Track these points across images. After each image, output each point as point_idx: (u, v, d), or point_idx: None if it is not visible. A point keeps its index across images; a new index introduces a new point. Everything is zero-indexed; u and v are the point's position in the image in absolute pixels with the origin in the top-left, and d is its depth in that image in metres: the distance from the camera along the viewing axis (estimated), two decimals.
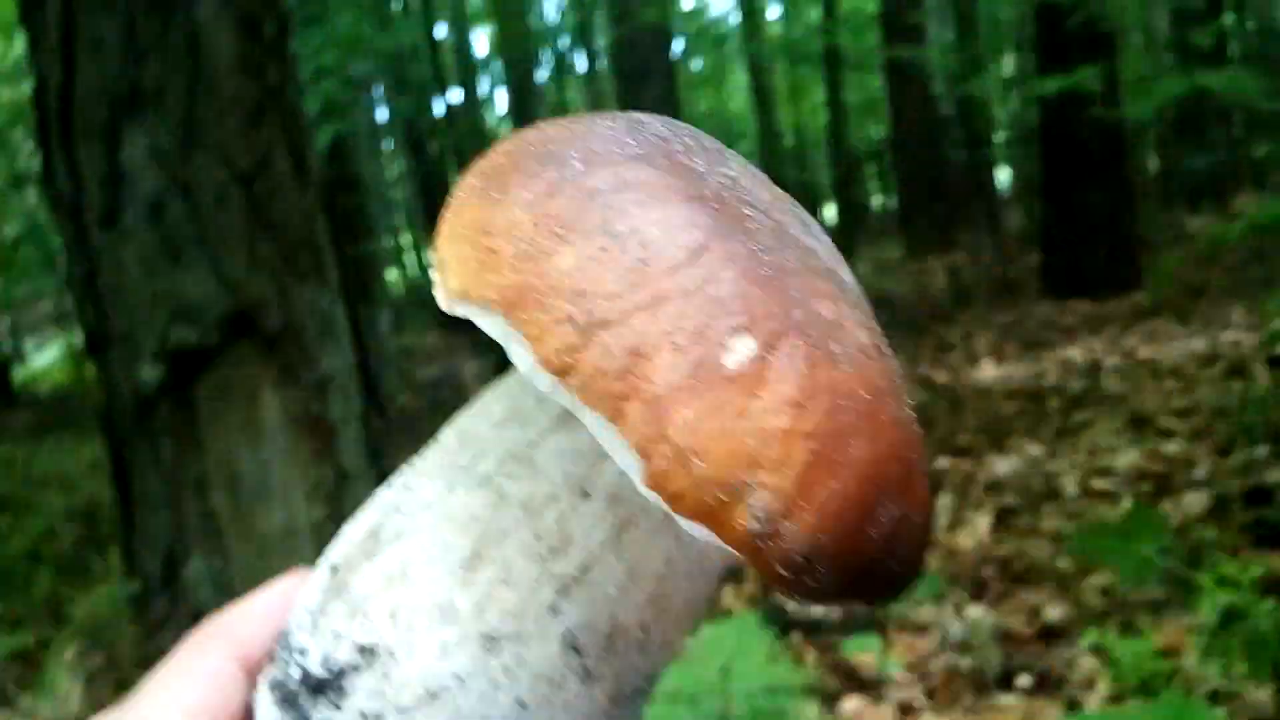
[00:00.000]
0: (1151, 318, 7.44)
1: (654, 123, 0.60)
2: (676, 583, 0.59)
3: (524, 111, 19.34)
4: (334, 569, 0.63)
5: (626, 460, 0.49)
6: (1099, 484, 4.00)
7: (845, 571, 0.50)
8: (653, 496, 0.48)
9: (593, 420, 0.49)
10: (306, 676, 0.59)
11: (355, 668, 0.58)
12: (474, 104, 20.44)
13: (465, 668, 0.57)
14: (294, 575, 0.67)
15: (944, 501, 4.07)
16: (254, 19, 3.01)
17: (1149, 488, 3.94)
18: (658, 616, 0.59)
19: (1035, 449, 4.49)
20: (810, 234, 0.60)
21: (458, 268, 0.53)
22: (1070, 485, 4.04)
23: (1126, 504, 3.75)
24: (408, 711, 0.57)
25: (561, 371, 0.49)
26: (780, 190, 0.63)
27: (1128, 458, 4.22)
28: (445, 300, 0.54)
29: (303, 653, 0.60)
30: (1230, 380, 5.15)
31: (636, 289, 0.50)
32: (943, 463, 4.55)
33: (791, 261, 0.54)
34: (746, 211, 0.55)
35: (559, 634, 0.57)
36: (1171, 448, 4.31)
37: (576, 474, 0.58)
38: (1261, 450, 4.00)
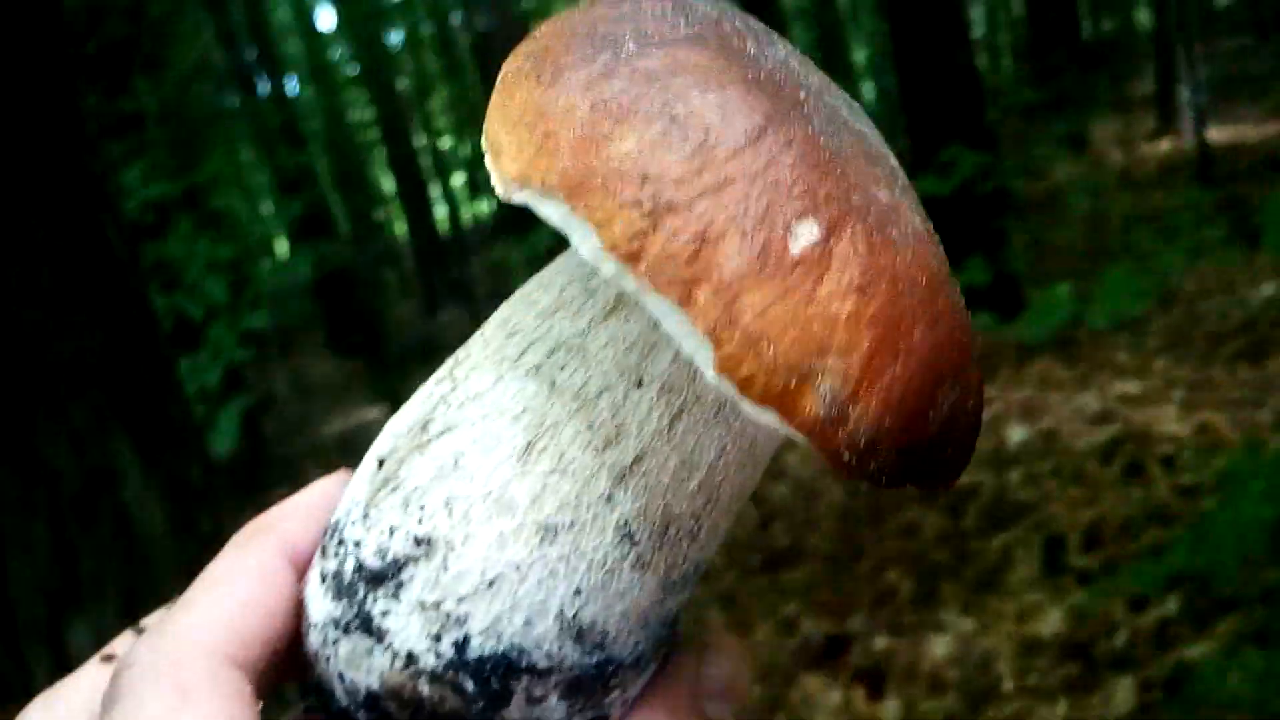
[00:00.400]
0: (1039, 354, 7.64)
1: (701, 2, 0.60)
2: (727, 472, 0.60)
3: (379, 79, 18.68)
4: (381, 461, 0.62)
5: (696, 345, 0.49)
6: (1033, 674, 4.23)
7: (907, 455, 0.52)
8: (722, 381, 0.49)
9: (660, 306, 0.49)
10: (362, 568, 0.60)
11: (413, 559, 0.59)
12: (327, 76, 19.65)
13: (523, 557, 0.58)
14: (337, 475, 0.67)
15: (891, 709, 4.27)
16: (181, 474, 2.94)
17: (1077, 670, 4.18)
18: (708, 505, 0.61)
19: (967, 622, 4.71)
20: (859, 119, 0.61)
21: (514, 152, 0.53)
22: (1006, 676, 4.25)
23: (1062, 708, 3.99)
24: (466, 600, 0.58)
25: (629, 257, 0.49)
26: (826, 76, 0.63)
27: (1052, 623, 4.46)
28: (502, 185, 0.53)
29: (357, 545, 0.60)
30: (1130, 484, 5.42)
31: (700, 173, 0.50)
32: (880, 642, 4.74)
33: (847, 146, 0.55)
34: (801, 95, 0.56)
35: (614, 523, 0.58)
36: (1089, 600, 4.55)
37: (630, 363, 0.58)
38: (1171, 605, 4.26)
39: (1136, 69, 16.69)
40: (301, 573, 0.64)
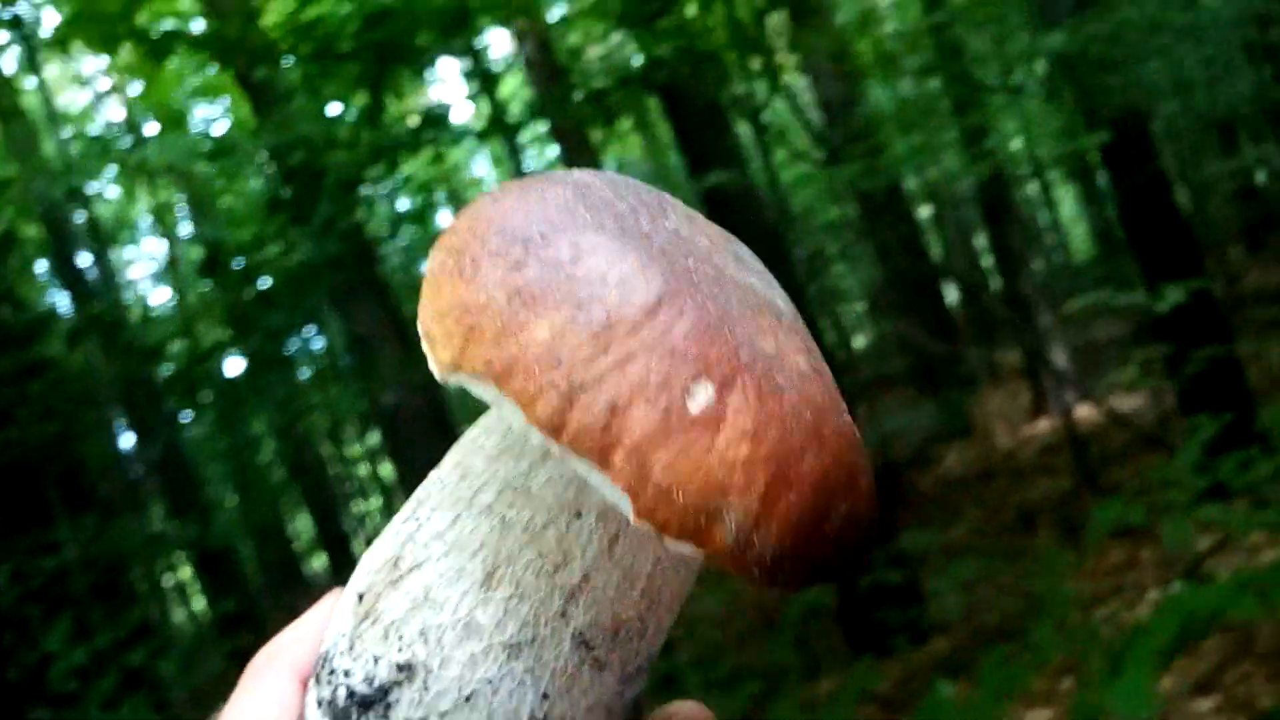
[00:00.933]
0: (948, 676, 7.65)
1: (598, 184, 0.70)
2: (665, 577, 0.69)
3: None
4: (360, 596, 0.71)
5: (617, 498, 0.58)
6: None
7: (808, 564, 0.62)
8: (644, 525, 0.58)
9: (584, 468, 0.58)
10: (353, 695, 0.68)
11: (397, 683, 0.67)
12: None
13: (494, 673, 0.66)
14: (330, 596, 0.74)
15: None
16: None
17: None
18: (651, 607, 0.69)
19: None
20: (746, 269, 0.71)
21: (445, 342, 0.62)
22: None
23: None
24: (448, 714, 0.66)
25: (553, 430, 0.58)
26: (716, 229, 0.74)
27: None
28: (438, 370, 0.63)
29: (347, 674, 0.68)
30: None
31: (606, 351, 0.59)
32: None
33: (734, 304, 0.65)
34: (689, 263, 0.66)
35: (570, 635, 0.67)
36: None
37: (568, 498, 0.67)
38: None
39: (1006, 335, 17.32)
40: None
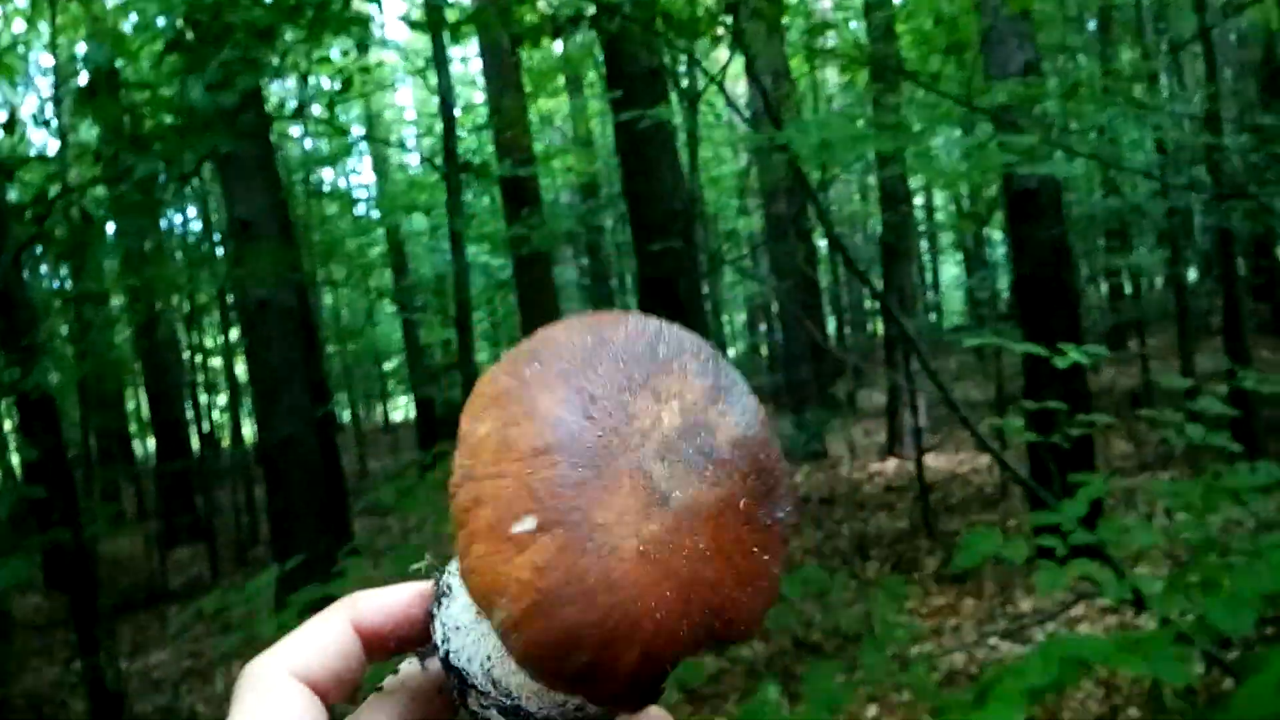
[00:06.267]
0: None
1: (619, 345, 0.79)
2: None
3: None
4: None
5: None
6: None
7: (546, 677, 0.80)
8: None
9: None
10: None
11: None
12: None
13: None
14: (338, 609, 0.82)
15: None
16: None
17: None
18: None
19: None
20: (681, 461, 0.81)
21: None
22: None
23: None
24: None
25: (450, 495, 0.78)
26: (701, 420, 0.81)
27: None
28: None
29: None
30: None
31: (496, 463, 0.80)
32: None
33: (607, 479, 0.81)
34: (612, 439, 0.80)
35: None
36: None
37: None
38: None
39: (874, 378, 17.67)
40: (363, 633, 0.83)
